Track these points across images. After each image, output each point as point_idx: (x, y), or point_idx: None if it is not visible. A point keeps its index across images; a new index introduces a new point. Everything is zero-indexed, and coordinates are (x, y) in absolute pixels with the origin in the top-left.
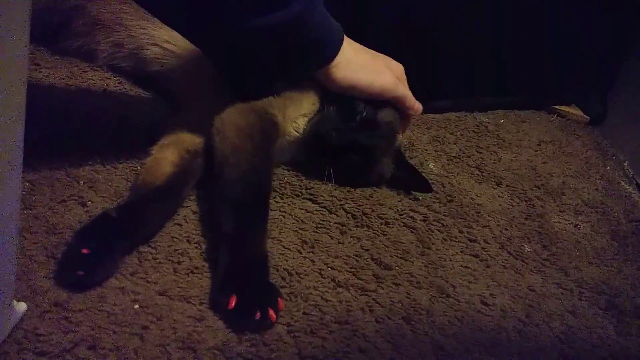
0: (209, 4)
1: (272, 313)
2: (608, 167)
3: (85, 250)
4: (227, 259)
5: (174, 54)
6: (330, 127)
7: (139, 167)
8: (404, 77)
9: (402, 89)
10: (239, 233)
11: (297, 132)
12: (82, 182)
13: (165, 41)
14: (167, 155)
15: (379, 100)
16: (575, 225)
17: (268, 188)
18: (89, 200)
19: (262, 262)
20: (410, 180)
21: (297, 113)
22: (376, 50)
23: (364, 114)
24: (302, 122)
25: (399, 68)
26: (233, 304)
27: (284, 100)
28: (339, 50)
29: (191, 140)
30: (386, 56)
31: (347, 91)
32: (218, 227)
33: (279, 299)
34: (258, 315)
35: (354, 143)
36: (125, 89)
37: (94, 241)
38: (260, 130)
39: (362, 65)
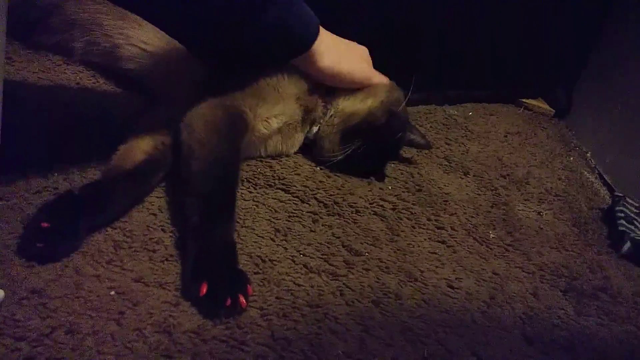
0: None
1: (242, 299)
2: (571, 158)
3: (44, 224)
4: (196, 249)
5: (150, 53)
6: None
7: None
8: (369, 58)
9: (376, 77)
10: (207, 223)
11: (266, 130)
12: (56, 174)
13: (141, 41)
14: (141, 144)
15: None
16: (539, 213)
17: (235, 179)
18: (64, 191)
19: (231, 250)
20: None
21: (268, 113)
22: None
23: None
24: (274, 122)
25: (366, 52)
26: (204, 291)
27: (256, 99)
28: (315, 38)
29: (168, 133)
30: (352, 42)
31: (329, 80)
32: (185, 219)
33: (248, 285)
34: (229, 301)
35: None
36: (99, 82)
37: (55, 216)
38: (227, 124)
39: (341, 55)
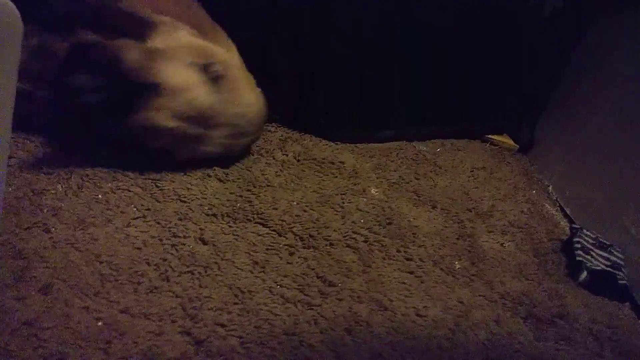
0: None
1: None
2: (534, 191)
3: None
4: None
5: None
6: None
7: (99, 196)
8: None
9: None
10: None
11: None
12: (45, 210)
13: None
14: None
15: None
16: (502, 244)
17: None
18: (53, 227)
19: None
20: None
21: None
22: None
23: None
24: None
25: None
26: None
27: None
28: None
29: None
30: None
31: None
32: None
33: None
34: None
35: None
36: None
37: None
38: None
39: None
